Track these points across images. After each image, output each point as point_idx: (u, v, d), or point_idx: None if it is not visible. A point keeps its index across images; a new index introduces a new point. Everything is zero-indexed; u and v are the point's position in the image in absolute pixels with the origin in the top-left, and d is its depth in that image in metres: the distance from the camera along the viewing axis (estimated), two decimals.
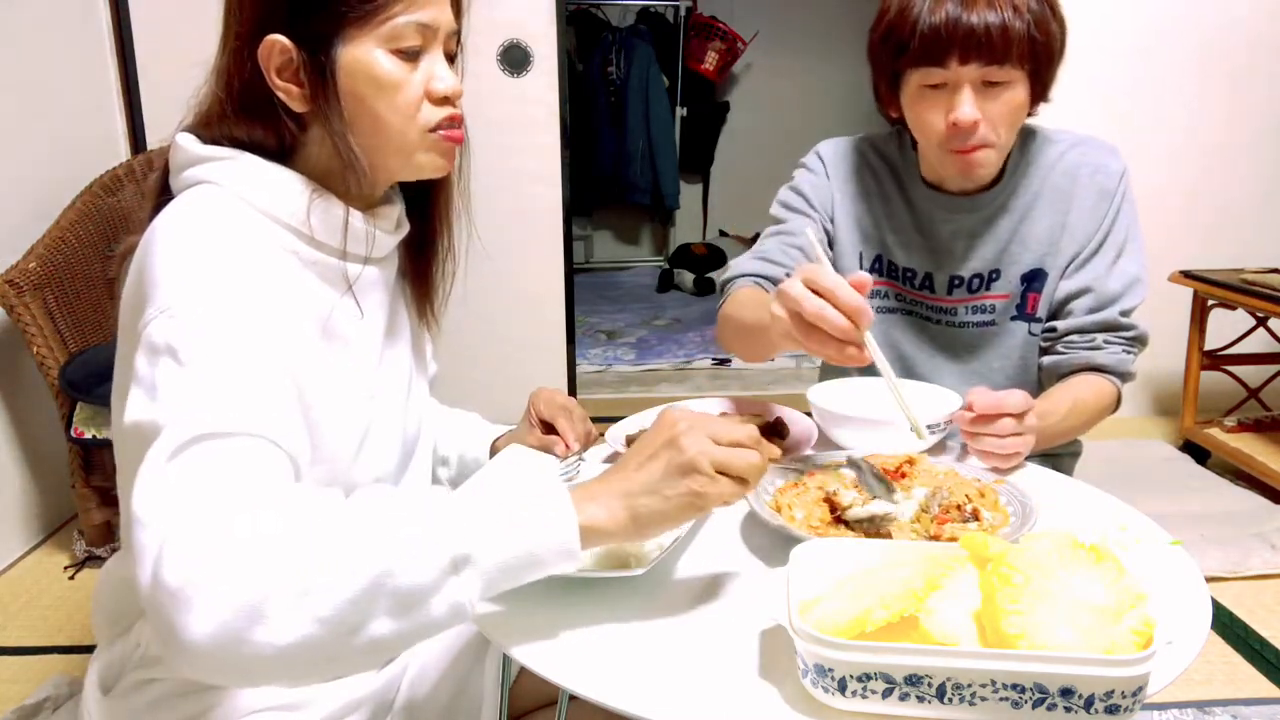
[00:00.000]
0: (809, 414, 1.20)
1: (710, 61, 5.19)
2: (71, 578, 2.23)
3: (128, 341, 0.82)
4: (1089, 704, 0.62)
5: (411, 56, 0.85)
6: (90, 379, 2.12)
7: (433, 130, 0.88)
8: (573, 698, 0.95)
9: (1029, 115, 1.25)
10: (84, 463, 2.21)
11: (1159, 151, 3.10)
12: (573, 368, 3.32)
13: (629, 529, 0.74)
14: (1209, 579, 0.95)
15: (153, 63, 2.74)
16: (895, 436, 1.11)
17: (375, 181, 0.90)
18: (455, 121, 0.90)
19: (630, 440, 1.14)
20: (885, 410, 1.20)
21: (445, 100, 0.88)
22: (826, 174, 1.39)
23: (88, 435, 2.14)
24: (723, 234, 5.48)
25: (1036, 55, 1.16)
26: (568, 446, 1.07)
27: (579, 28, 5.19)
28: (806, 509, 0.94)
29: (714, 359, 3.91)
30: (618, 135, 5.17)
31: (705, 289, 4.97)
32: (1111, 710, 0.62)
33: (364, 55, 0.83)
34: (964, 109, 1.15)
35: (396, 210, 0.96)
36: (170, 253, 0.77)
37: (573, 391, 3.30)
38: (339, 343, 0.89)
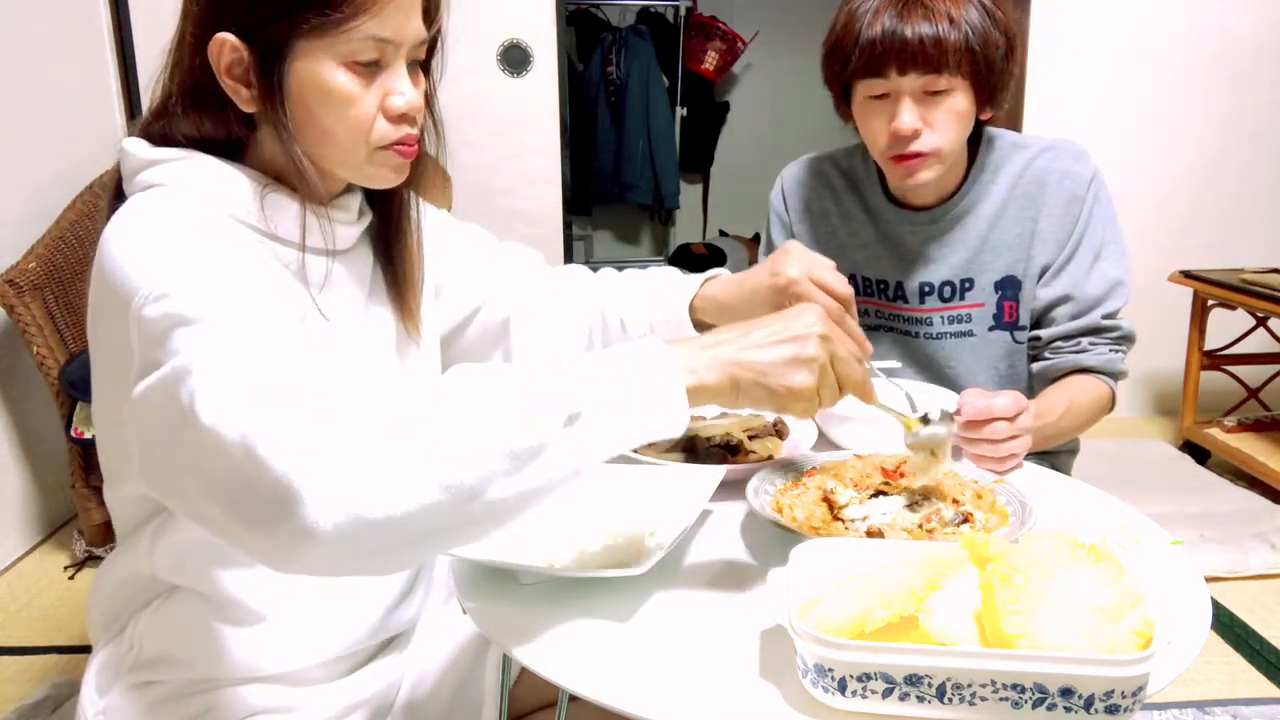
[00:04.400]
0: None
1: (710, 61, 5.19)
2: (71, 578, 2.23)
3: (104, 354, 0.80)
4: (1089, 704, 0.62)
5: (369, 70, 0.82)
6: (90, 379, 2.11)
7: (384, 147, 0.85)
8: (573, 698, 0.95)
9: (986, 120, 1.26)
10: (84, 463, 2.21)
11: (1159, 151, 3.10)
12: None
13: (728, 397, 0.75)
14: (1209, 579, 0.95)
15: (153, 63, 2.73)
16: (895, 436, 1.11)
17: (325, 186, 0.88)
18: (410, 140, 0.87)
19: None
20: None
21: (402, 117, 0.85)
22: (786, 207, 1.43)
23: (88, 435, 2.14)
24: (723, 234, 5.47)
25: (976, 64, 1.17)
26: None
27: (579, 28, 5.19)
28: (806, 509, 0.94)
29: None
30: (618, 135, 5.17)
31: None
32: (1111, 710, 0.62)
33: (317, 68, 0.80)
34: (903, 118, 1.18)
35: (356, 200, 0.94)
36: (133, 247, 0.74)
37: None
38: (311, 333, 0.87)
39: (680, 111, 5.36)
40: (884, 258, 1.36)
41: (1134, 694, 0.62)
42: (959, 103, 1.19)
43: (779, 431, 1.18)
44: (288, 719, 0.91)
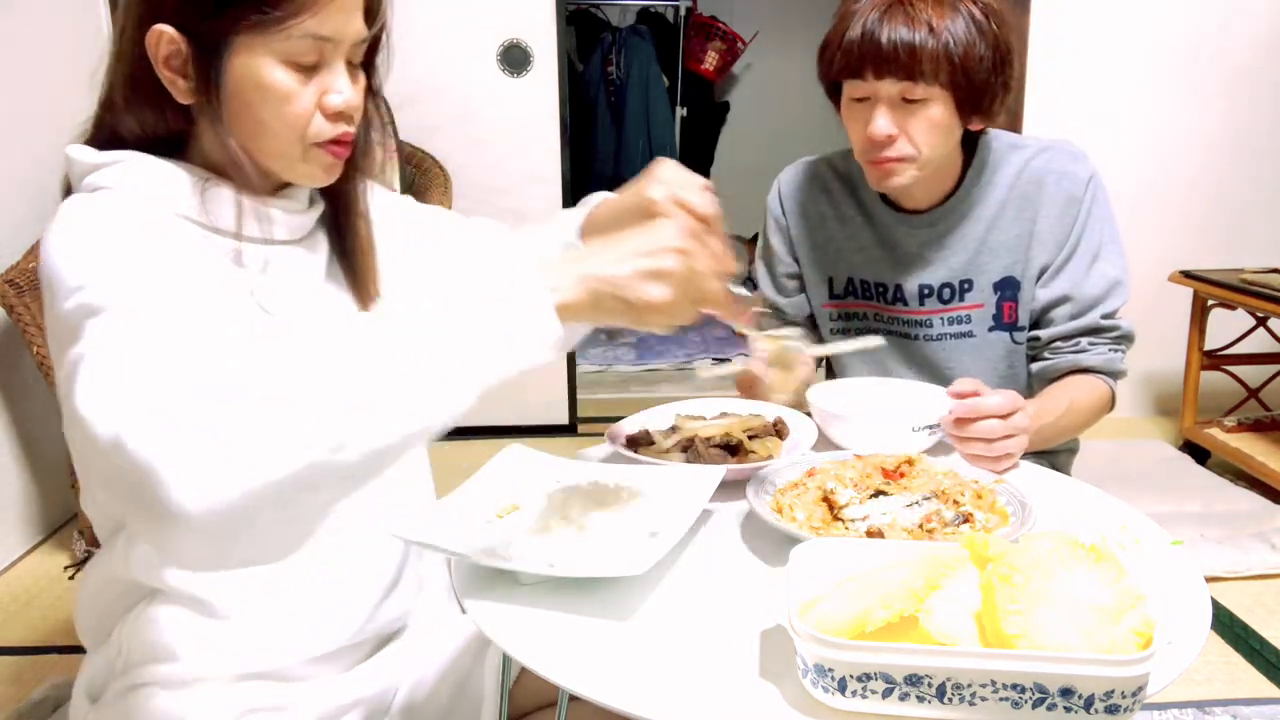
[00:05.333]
0: (809, 414, 1.20)
1: (710, 61, 5.19)
2: (71, 578, 2.23)
3: (55, 354, 0.79)
4: (1089, 704, 0.62)
5: (308, 68, 0.82)
6: None
7: (319, 144, 0.85)
8: (573, 698, 0.95)
9: (976, 129, 1.25)
10: None
11: (1159, 151, 3.10)
12: (573, 368, 3.32)
13: (589, 313, 0.73)
14: (1209, 579, 0.95)
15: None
16: (895, 436, 1.11)
17: (263, 179, 0.88)
18: (346, 138, 0.87)
19: (631, 441, 1.14)
20: (885, 410, 1.21)
21: (339, 115, 0.85)
22: (783, 211, 1.43)
23: None
24: None
25: (955, 75, 1.16)
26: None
27: (579, 28, 5.19)
28: (807, 509, 0.94)
29: (714, 358, 3.91)
30: (618, 135, 5.17)
31: None
32: (1111, 710, 0.62)
33: (255, 64, 0.80)
34: (876, 123, 1.19)
35: (305, 189, 0.94)
36: (61, 246, 0.75)
37: (573, 391, 3.30)
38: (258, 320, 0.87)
39: (680, 111, 5.35)
40: (882, 260, 1.36)
41: (1134, 694, 0.62)
42: (936, 112, 1.18)
43: (779, 431, 1.18)
44: (280, 717, 0.91)
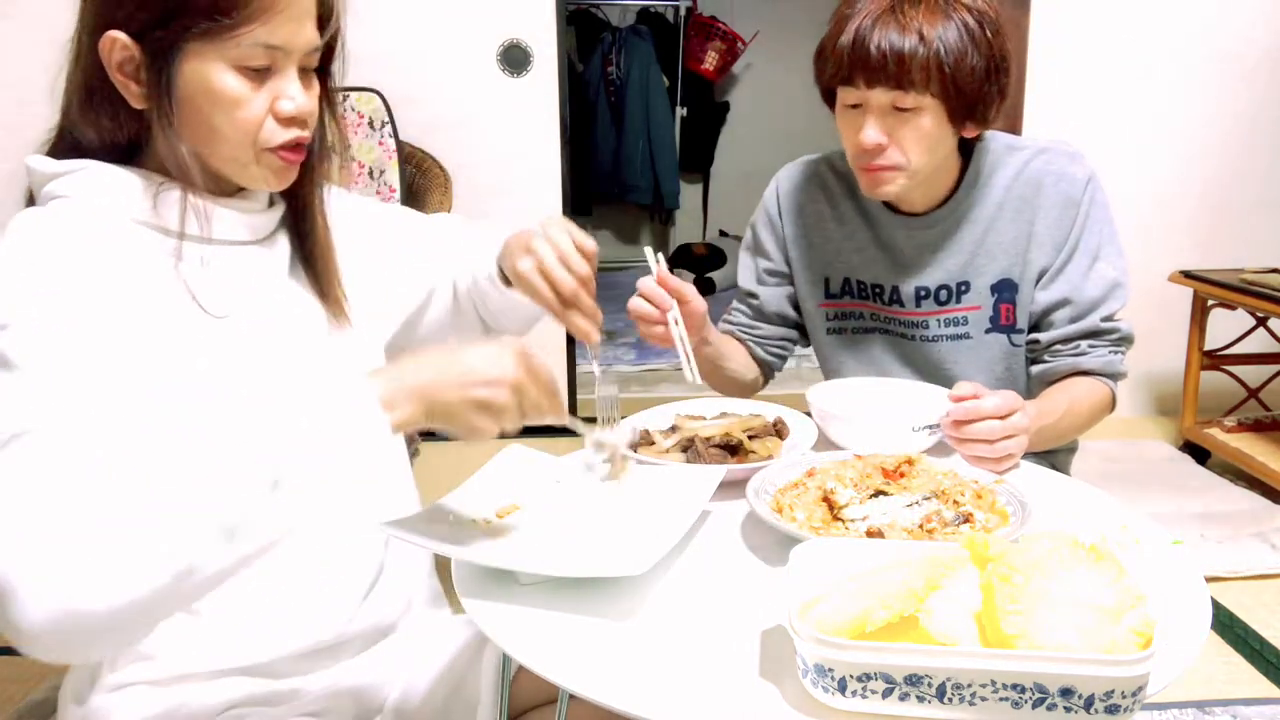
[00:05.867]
0: (809, 414, 1.20)
1: (710, 61, 5.19)
2: None
3: None
4: (1089, 704, 0.62)
5: (259, 74, 0.83)
6: None
7: (271, 149, 0.86)
8: (572, 697, 0.95)
9: (970, 136, 1.24)
10: None
11: (1159, 151, 3.10)
12: (573, 368, 3.32)
13: (423, 423, 0.79)
14: (1209, 579, 0.95)
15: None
16: (895, 436, 1.11)
17: (215, 183, 0.89)
18: (297, 143, 0.87)
19: (631, 442, 1.14)
20: (885, 410, 1.21)
21: (291, 120, 0.85)
22: (779, 209, 1.42)
23: None
24: (723, 234, 5.47)
25: (946, 85, 1.14)
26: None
27: (579, 28, 5.19)
28: (807, 509, 0.94)
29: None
30: (618, 135, 5.17)
31: (705, 289, 4.97)
32: (1111, 710, 0.62)
33: (206, 70, 0.81)
34: (866, 132, 1.18)
35: (265, 191, 0.94)
36: (1, 271, 0.77)
37: (573, 392, 3.30)
38: (202, 326, 0.87)
39: (680, 111, 5.36)
40: (879, 261, 1.35)
41: (1134, 694, 0.62)
42: (927, 122, 1.17)
43: (779, 431, 1.18)
44: (268, 712, 0.91)
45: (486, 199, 3.05)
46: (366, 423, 0.74)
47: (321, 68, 0.91)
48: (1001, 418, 1.05)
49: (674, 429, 1.17)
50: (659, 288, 1.14)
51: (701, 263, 5.10)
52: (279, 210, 0.96)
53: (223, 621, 0.90)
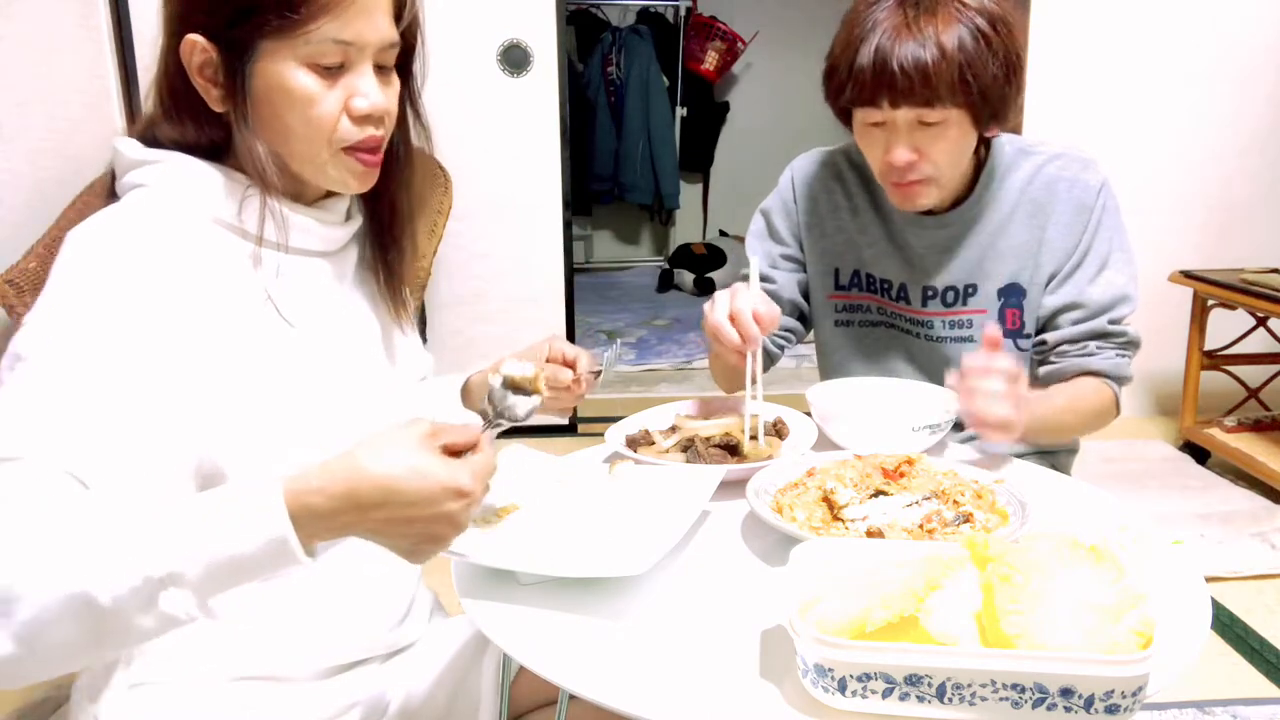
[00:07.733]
0: (809, 414, 1.20)
1: (710, 61, 5.19)
2: None
3: None
4: (1089, 704, 0.62)
5: (332, 71, 0.83)
6: None
7: (348, 149, 0.86)
8: (572, 697, 0.96)
9: (993, 135, 1.25)
10: None
11: (1159, 151, 3.10)
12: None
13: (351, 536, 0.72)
14: (1209, 579, 0.95)
15: (153, 63, 2.74)
16: (895, 436, 1.11)
17: (296, 186, 0.89)
18: (373, 143, 0.87)
19: (631, 441, 1.14)
20: (885, 410, 1.21)
21: (366, 119, 0.85)
22: (795, 196, 1.41)
23: None
24: (723, 234, 5.47)
25: (970, 94, 1.14)
26: (576, 382, 1.04)
27: (579, 28, 5.20)
28: (807, 509, 0.94)
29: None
30: (618, 135, 5.17)
31: (705, 289, 4.96)
32: (1111, 710, 0.62)
33: (280, 68, 0.81)
34: (897, 152, 1.17)
35: (344, 202, 0.94)
36: (62, 265, 0.77)
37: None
38: (274, 334, 0.87)
39: (680, 111, 5.36)
40: (890, 258, 1.35)
41: (1134, 694, 0.62)
42: (955, 131, 1.17)
43: (779, 431, 1.18)
44: (277, 718, 0.91)
45: (486, 199, 3.05)
46: (281, 560, 0.67)
47: (402, 67, 0.90)
48: (1009, 378, 1.04)
49: (674, 429, 1.17)
50: (754, 324, 1.09)
51: (701, 262, 5.10)
52: (355, 224, 0.96)
53: (254, 631, 0.90)
